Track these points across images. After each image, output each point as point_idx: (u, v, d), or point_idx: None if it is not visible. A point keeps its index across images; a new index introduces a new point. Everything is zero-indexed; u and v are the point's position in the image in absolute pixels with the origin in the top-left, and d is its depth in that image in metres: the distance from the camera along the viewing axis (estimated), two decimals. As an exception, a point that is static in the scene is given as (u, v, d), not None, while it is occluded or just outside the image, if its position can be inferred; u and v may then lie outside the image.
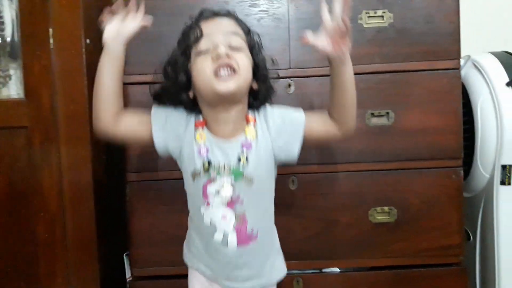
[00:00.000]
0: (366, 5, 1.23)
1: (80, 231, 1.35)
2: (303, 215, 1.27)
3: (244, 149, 0.93)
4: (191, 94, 0.95)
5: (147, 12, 1.22)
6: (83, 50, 1.30)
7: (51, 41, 1.30)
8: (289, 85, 1.24)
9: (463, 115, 1.26)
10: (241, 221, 0.96)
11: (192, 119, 0.97)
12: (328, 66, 1.22)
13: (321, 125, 0.98)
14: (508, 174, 1.28)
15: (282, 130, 0.96)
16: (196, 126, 0.96)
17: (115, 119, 0.95)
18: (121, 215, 1.35)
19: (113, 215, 1.48)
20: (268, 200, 1.01)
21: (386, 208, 1.26)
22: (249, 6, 1.24)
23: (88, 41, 1.32)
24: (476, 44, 1.48)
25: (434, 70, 1.23)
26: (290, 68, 1.24)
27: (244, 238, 0.96)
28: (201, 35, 0.91)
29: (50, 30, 1.30)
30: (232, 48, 0.90)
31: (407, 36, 1.23)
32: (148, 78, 1.24)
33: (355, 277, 1.29)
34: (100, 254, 1.37)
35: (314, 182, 1.26)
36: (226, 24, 0.94)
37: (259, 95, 0.97)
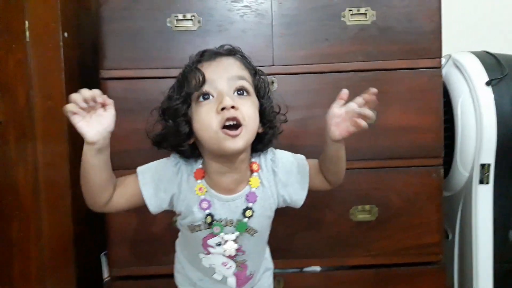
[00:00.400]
0: (349, 2, 1.23)
1: (56, 230, 1.32)
2: (284, 213, 1.24)
3: (250, 203, 0.89)
4: (191, 141, 0.87)
5: (127, 5, 1.21)
6: (61, 43, 1.27)
7: (27, 34, 1.26)
8: (272, 82, 1.23)
9: (443, 114, 1.27)
10: (241, 267, 0.95)
11: (183, 169, 0.90)
12: (311, 64, 1.24)
13: (316, 177, 0.96)
14: (487, 173, 1.29)
15: (290, 180, 0.93)
16: (195, 177, 0.89)
17: (108, 203, 0.89)
18: (99, 214, 1.32)
19: (90, 214, 1.45)
20: (266, 239, 1.01)
21: (367, 207, 1.26)
22: (232, 1, 1.23)
23: (66, 34, 1.29)
24: (457, 43, 1.49)
25: (416, 68, 1.24)
26: (273, 65, 1.24)
27: (243, 281, 0.97)
28: (204, 80, 0.82)
29: (26, 22, 1.26)
30: (238, 95, 0.83)
31: (389, 34, 1.24)
32: (127, 73, 1.23)
33: (336, 276, 1.29)
34: (77, 254, 1.34)
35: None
36: (230, 66, 0.85)
37: (264, 139, 0.90)
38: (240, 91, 0.84)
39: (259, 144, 0.90)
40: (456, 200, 1.40)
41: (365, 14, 1.23)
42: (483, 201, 1.31)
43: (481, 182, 1.30)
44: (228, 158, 0.85)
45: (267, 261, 1.07)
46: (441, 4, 1.24)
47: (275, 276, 1.25)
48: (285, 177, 0.92)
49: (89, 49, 1.45)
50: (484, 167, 1.29)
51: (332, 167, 0.93)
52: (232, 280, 0.96)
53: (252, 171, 0.90)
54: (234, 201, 0.89)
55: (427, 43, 1.24)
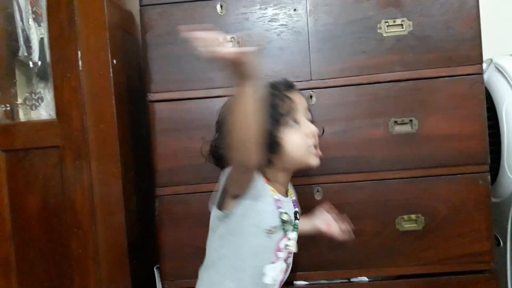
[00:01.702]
0: (385, 14, 1.24)
1: (112, 246, 1.38)
2: (329, 225, 1.27)
3: (296, 208, 1.06)
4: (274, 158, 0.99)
5: (170, 30, 1.28)
6: (110, 70, 1.35)
7: (80, 63, 1.35)
8: (311, 96, 1.26)
9: (488, 120, 1.25)
10: (287, 272, 1.05)
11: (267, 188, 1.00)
12: (349, 76, 1.26)
13: None
14: (537, 178, 1.26)
15: None
16: (266, 182, 1.00)
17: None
18: (151, 229, 1.38)
19: (143, 229, 1.51)
20: None
21: (413, 216, 1.26)
22: (269, 21, 1.26)
23: (114, 61, 1.36)
24: (498, 47, 1.46)
25: (456, 76, 1.23)
26: (311, 80, 1.26)
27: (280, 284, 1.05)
28: (294, 107, 0.98)
29: (79, 52, 1.35)
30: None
31: (427, 43, 1.23)
32: (172, 95, 1.29)
33: (383, 286, 1.29)
34: (132, 268, 1.40)
35: (339, 192, 1.27)
36: (304, 98, 1.04)
37: None
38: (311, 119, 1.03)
39: None
40: (505, 206, 1.36)
41: (402, 24, 1.23)
42: (534, 206, 1.28)
43: (531, 187, 1.27)
44: (294, 171, 1.04)
45: None
46: (479, 10, 1.22)
47: (322, 286, 1.26)
48: None
49: (136, 74, 1.53)
50: (533, 172, 1.26)
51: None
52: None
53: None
54: (289, 205, 1.03)
55: (467, 50, 1.23)
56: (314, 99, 1.26)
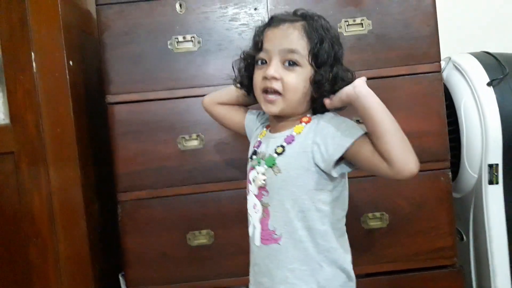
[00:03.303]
0: (345, 13, 1.24)
1: (74, 254, 1.34)
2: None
3: (285, 142, 0.93)
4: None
5: (128, 30, 1.24)
6: (66, 72, 1.30)
7: (34, 64, 1.30)
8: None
9: (447, 117, 1.27)
10: (265, 214, 0.94)
11: (260, 118, 1.07)
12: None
13: (369, 156, 0.85)
14: (495, 173, 1.29)
15: (331, 131, 0.90)
16: (266, 127, 1.03)
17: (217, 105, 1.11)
18: (114, 235, 1.35)
19: (106, 236, 1.47)
20: (297, 208, 0.91)
21: (378, 214, 1.27)
22: (230, 20, 1.25)
23: (71, 62, 1.32)
24: (456, 45, 1.49)
25: (416, 74, 1.25)
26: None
27: (266, 234, 0.93)
28: (262, 45, 0.93)
29: (32, 54, 1.30)
30: (287, 65, 0.90)
31: (386, 41, 1.25)
32: (132, 96, 1.26)
33: (350, 285, 1.29)
34: (95, 275, 1.36)
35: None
36: (288, 37, 0.91)
37: (318, 103, 0.94)
38: (289, 63, 0.91)
39: (317, 106, 0.96)
40: (467, 201, 1.39)
41: (361, 23, 1.24)
42: (494, 201, 1.31)
43: (491, 182, 1.30)
44: (277, 116, 0.97)
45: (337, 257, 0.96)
46: (436, 8, 1.24)
47: None
48: (327, 128, 0.91)
49: (94, 75, 1.48)
50: (492, 168, 1.29)
51: (368, 125, 0.87)
52: (257, 233, 0.95)
53: (301, 121, 0.95)
54: (274, 138, 0.96)
55: (425, 48, 1.24)
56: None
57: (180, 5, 1.24)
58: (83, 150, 1.36)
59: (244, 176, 1.20)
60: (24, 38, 1.29)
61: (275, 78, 0.90)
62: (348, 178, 1.24)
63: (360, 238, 1.27)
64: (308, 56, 0.90)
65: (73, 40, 1.37)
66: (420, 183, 1.26)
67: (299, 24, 0.92)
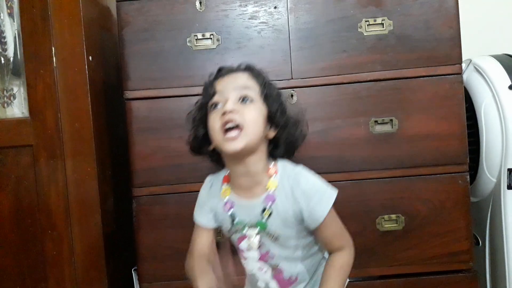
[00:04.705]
0: (365, 13, 1.23)
1: (88, 247, 1.35)
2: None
3: (267, 203, 0.94)
4: (212, 146, 0.96)
5: (147, 27, 1.25)
6: (86, 67, 1.31)
7: (54, 59, 1.31)
8: (292, 95, 1.24)
9: (467, 120, 1.25)
10: (277, 271, 0.99)
11: (215, 182, 1.02)
12: (330, 75, 1.24)
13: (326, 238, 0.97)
14: (515, 178, 1.27)
15: (308, 201, 0.93)
16: (223, 181, 1.00)
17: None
18: (128, 230, 1.36)
19: (120, 231, 1.48)
20: (302, 252, 0.99)
21: (393, 216, 1.25)
22: (249, 19, 1.25)
23: (90, 58, 1.33)
24: (477, 47, 1.47)
25: (436, 75, 1.23)
26: (292, 79, 1.25)
27: (284, 283, 1.00)
28: (214, 91, 0.94)
29: (53, 48, 1.31)
30: (242, 101, 0.91)
31: (407, 42, 1.23)
32: (150, 93, 1.26)
33: (364, 286, 1.28)
34: (109, 270, 1.37)
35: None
36: (239, 79, 0.95)
37: (279, 143, 0.97)
38: (244, 98, 0.92)
39: (275, 149, 0.97)
40: (484, 206, 1.38)
41: (382, 24, 1.23)
42: (512, 206, 1.29)
43: (510, 187, 1.28)
44: (239, 159, 0.93)
45: None
46: (459, 10, 1.23)
47: None
48: (304, 199, 0.93)
49: (112, 71, 1.49)
50: (511, 172, 1.27)
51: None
52: (273, 285, 1.00)
53: (270, 176, 0.95)
54: (254, 206, 0.95)
55: (447, 50, 1.23)
56: (294, 98, 1.24)
57: (200, 3, 1.24)
58: (100, 145, 1.37)
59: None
60: (46, 33, 1.31)
61: (234, 111, 0.89)
62: (365, 179, 1.26)
63: (375, 240, 1.26)
64: (260, 94, 0.94)
65: (93, 36, 1.38)
66: (438, 186, 1.25)
67: (246, 72, 0.97)
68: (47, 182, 1.33)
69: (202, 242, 1.02)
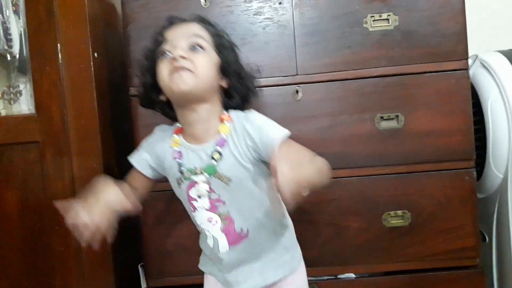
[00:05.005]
0: (370, 8, 1.23)
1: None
2: (314, 221, 1.26)
3: (218, 146, 0.93)
4: (163, 98, 0.97)
5: (152, 23, 1.25)
6: (91, 64, 1.32)
7: (60, 56, 1.32)
8: (297, 91, 1.24)
9: (473, 115, 1.25)
10: (227, 220, 0.96)
11: (167, 133, 1.01)
12: (335, 71, 1.24)
13: None
14: (522, 174, 1.26)
15: (259, 132, 0.92)
16: (174, 133, 1.00)
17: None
18: (135, 226, 1.36)
19: (126, 227, 1.48)
20: (256, 197, 0.97)
21: (399, 212, 1.25)
22: (254, 15, 1.24)
23: (96, 54, 1.33)
24: (483, 42, 1.46)
25: (442, 71, 1.22)
26: (297, 75, 1.24)
27: (234, 238, 0.97)
28: (163, 40, 0.93)
29: (58, 45, 1.31)
30: (192, 50, 0.91)
31: (413, 38, 1.23)
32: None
33: (371, 283, 1.28)
34: (115, 265, 1.38)
35: (325, 188, 1.25)
36: (189, 28, 0.95)
37: (233, 93, 0.98)
38: (195, 46, 0.92)
39: (231, 100, 0.98)
40: (491, 202, 1.37)
41: (387, 19, 1.22)
42: (519, 202, 1.28)
43: (517, 183, 1.27)
44: (191, 106, 0.93)
45: (286, 241, 1.04)
46: (464, 5, 1.22)
47: (310, 283, 1.25)
48: (252, 130, 0.93)
49: (117, 67, 1.50)
50: (518, 168, 1.26)
51: None
52: (223, 241, 0.97)
53: (222, 120, 0.96)
54: (204, 150, 0.94)
55: (453, 45, 1.22)
56: (300, 94, 1.24)
57: (205, -1, 1.25)
58: (106, 142, 1.37)
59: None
60: (51, 30, 1.31)
61: (183, 57, 0.89)
62: (370, 175, 1.25)
63: (381, 236, 1.26)
64: (212, 44, 0.94)
65: (98, 33, 1.38)
66: (444, 182, 1.24)
67: (196, 21, 0.97)
68: (53, 178, 1.34)
69: (129, 181, 1.04)
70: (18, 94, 1.42)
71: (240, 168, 0.94)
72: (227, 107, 0.98)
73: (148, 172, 1.04)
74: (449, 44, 1.22)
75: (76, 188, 1.34)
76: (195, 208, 0.98)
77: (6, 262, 1.36)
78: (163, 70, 0.91)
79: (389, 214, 1.25)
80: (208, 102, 0.94)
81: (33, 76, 1.34)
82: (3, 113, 1.44)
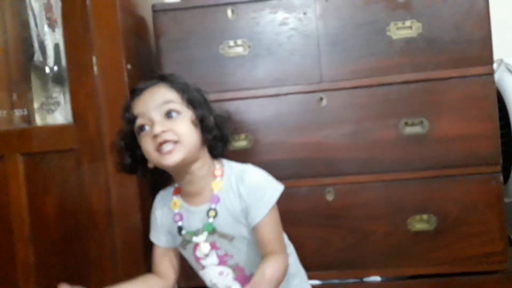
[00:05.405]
0: (394, 16, 1.25)
1: (128, 247, 1.39)
2: (340, 226, 1.28)
3: (212, 204, 0.94)
4: (150, 165, 0.95)
5: (182, 36, 1.30)
6: (125, 75, 1.36)
7: (95, 68, 1.37)
8: (321, 99, 1.27)
9: (499, 120, 1.24)
10: (237, 270, 0.98)
11: (166, 198, 1.02)
12: (359, 78, 1.26)
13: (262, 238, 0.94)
14: (550, 178, 1.25)
15: (251, 200, 0.94)
16: (173, 193, 1.01)
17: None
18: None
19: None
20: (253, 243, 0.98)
21: (425, 216, 1.26)
22: (279, 25, 1.28)
23: (129, 66, 1.39)
24: (508, 46, 1.45)
25: (467, 76, 1.23)
26: (321, 82, 1.27)
27: (246, 281, 0.97)
28: (135, 115, 0.92)
29: (94, 58, 1.37)
30: (168, 117, 0.90)
31: (437, 44, 1.24)
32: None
33: (396, 286, 1.29)
34: (149, 268, 1.41)
35: (350, 193, 1.28)
36: (156, 94, 0.92)
37: (215, 143, 0.97)
38: (169, 113, 0.90)
39: (213, 151, 0.98)
40: (518, 206, 1.36)
41: (411, 26, 1.24)
42: (547, 206, 1.27)
43: (544, 187, 1.26)
44: (183, 170, 0.93)
45: (293, 268, 1.05)
46: (489, 11, 1.22)
47: (335, 286, 1.27)
48: (246, 196, 0.94)
49: (149, 78, 1.54)
50: (545, 172, 1.25)
51: None
52: (236, 286, 0.99)
53: (215, 176, 0.96)
54: (200, 211, 0.95)
55: (477, 50, 1.23)
56: (324, 101, 1.27)
57: (232, 11, 1.29)
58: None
59: (292, 174, 1.22)
60: (86, 43, 1.37)
61: (164, 131, 0.88)
62: (396, 180, 1.26)
63: (406, 240, 1.27)
64: (183, 102, 0.92)
65: (130, 45, 1.43)
66: (470, 187, 1.24)
67: (161, 84, 0.94)
68: (89, 184, 1.38)
69: (158, 258, 1.04)
70: (56, 105, 1.49)
71: (238, 225, 0.95)
72: (212, 155, 0.99)
73: (172, 243, 1.03)
74: (474, 50, 1.23)
75: (111, 193, 1.39)
76: (203, 267, 0.99)
77: (44, 265, 1.41)
78: (148, 147, 0.90)
79: (414, 218, 1.26)
80: (199, 159, 0.94)
81: (70, 87, 1.39)
82: (41, 123, 1.51)
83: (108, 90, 1.37)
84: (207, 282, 1.01)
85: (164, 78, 0.96)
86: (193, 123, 0.92)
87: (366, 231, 1.27)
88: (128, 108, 0.94)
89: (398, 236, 1.27)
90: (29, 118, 1.51)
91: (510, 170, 1.33)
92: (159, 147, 0.88)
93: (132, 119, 0.92)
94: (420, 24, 1.24)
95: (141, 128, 0.91)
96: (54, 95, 1.51)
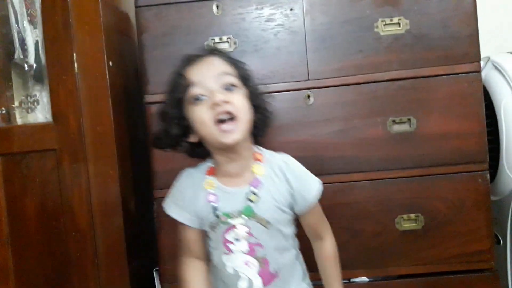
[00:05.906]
0: (381, 13, 1.24)
1: (111, 249, 1.37)
2: (328, 225, 1.27)
3: (253, 187, 0.93)
4: (193, 139, 0.94)
5: (166, 31, 1.27)
6: (107, 72, 1.34)
7: (76, 65, 1.34)
8: (308, 96, 1.25)
9: (486, 118, 1.24)
10: (263, 263, 0.96)
11: (195, 176, 0.99)
12: (347, 76, 1.25)
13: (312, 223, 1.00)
14: (536, 176, 1.25)
15: (299, 183, 0.95)
16: (207, 174, 0.97)
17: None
18: (150, 231, 1.38)
19: (142, 232, 1.51)
20: (288, 239, 0.99)
21: (412, 215, 1.25)
22: (265, 21, 1.26)
23: (110, 63, 1.36)
24: (496, 44, 1.46)
25: (454, 74, 1.23)
26: (308, 80, 1.25)
27: (268, 279, 0.96)
28: (190, 83, 0.89)
29: (74, 55, 1.34)
30: (227, 90, 0.88)
31: (424, 41, 1.23)
32: (169, 96, 1.28)
33: (384, 286, 1.28)
34: (131, 270, 1.39)
35: (337, 192, 1.26)
36: (214, 64, 0.91)
37: (259, 124, 0.96)
38: (228, 86, 0.89)
39: (255, 129, 0.95)
40: (505, 204, 1.36)
41: (399, 23, 1.23)
42: (534, 204, 1.27)
43: (531, 185, 1.26)
44: (233, 148, 0.90)
45: (304, 266, 1.07)
46: (476, 8, 1.22)
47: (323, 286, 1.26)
48: (294, 180, 0.95)
49: (132, 76, 1.52)
50: (532, 170, 1.25)
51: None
52: (257, 282, 0.96)
53: (256, 159, 0.95)
54: (240, 193, 0.93)
55: (465, 48, 1.22)
56: (311, 99, 1.25)
57: (217, 7, 1.26)
58: (122, 148, 1.39)
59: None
60: (67, 40, 1.34)
61: (226, 102, 0.85)
62: (383, 178, 1.26)
63: (394, 239, 1.26)
64: (238, 77, 0.91)
65: (112, 42, 1.41)
66: (458, 185, 1.24)
67: (216, 55, 0.93)
68: (70, 185, 1.36)
69: (192, 241, 1.00)
70: (35, 103, 1.45)
71: (278, 211, 0.94)
72: (253, 136, 0.97)
73: (196, 224, 1.00)
74: (461, 47, 1.22)
75: (92, 194, 1.36)
76: (230, 251, 0.95)
77: (24, 267, 1.38)
78: (204, 117, 0.87)
79: (402, 217, 1.25)
80: (246, 139, 0.93)
81: (50, 85, 1.36)
82: (20, 122, 1.47)
83: (89, 88, 1.35)
84: (228, 268, 0.96)
85: (219, 52, 0.94)
86: (247, 100, 0.91)
87: (354, 231, 1.26)
88: (179, 75, 0.91)
89: (386, 236, 1.26)
90: (8, 117, 1.47)
91: (497, 168, 1.33)
92: (217, 117, 0.85)
93: (185, 87, 0.89)
94: (407, 21, 1.23)
95: (197, 97, 0.88)
96: (34, 93, 1.47)
